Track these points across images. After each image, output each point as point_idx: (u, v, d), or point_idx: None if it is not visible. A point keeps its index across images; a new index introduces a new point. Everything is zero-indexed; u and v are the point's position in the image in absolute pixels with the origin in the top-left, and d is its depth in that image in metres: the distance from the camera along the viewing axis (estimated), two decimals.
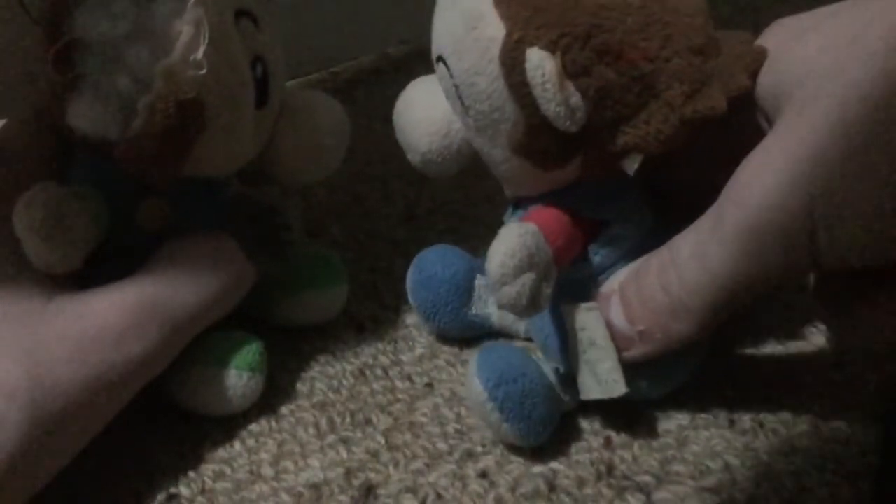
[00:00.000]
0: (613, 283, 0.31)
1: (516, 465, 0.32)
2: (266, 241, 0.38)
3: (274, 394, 0.35)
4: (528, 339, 0.36)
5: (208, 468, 0.32)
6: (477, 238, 0.41)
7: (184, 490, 0.31)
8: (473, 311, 0.36)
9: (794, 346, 0.36)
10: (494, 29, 0.28)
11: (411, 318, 0.39)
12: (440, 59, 0.31)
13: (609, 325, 0.30)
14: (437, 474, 0.31)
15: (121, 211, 0.32)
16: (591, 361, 0.30)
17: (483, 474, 0.31)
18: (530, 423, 0.31)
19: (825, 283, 0.31)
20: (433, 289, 0.36)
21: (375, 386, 0.36)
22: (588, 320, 0.30)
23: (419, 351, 0.37)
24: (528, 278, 0.29)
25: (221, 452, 0.33)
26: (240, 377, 0.33)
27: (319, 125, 0.36)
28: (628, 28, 0.28)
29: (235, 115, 0.31)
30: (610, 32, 0.28)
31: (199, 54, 0.28)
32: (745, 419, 0.32)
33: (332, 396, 0.35)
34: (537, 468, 0.31)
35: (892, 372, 0.33)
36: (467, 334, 0.37)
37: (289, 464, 0.32)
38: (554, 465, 0.31)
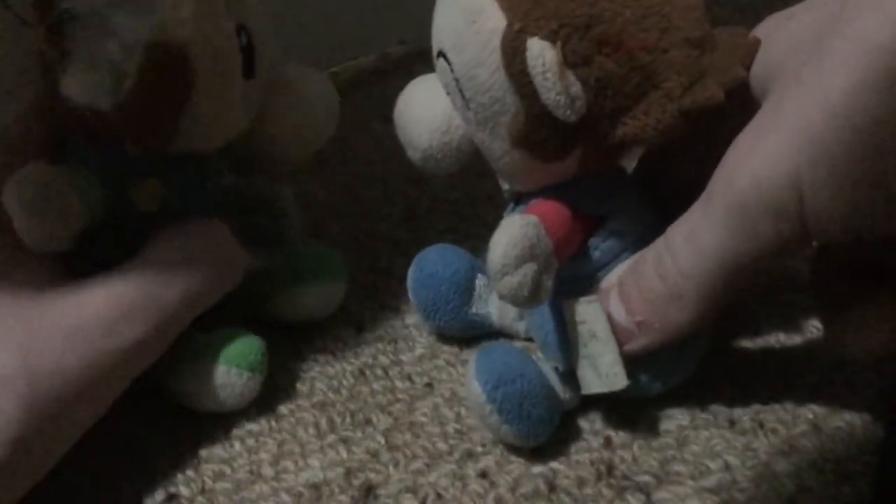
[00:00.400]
0: (613, 278, 0.31)
1: (516, 465, 0.32)
2: (263, 230, 0.38)
3: (274, 394, 0.35)
4: (529, 339, 0.36)
5: (208, 468, 0.32)
6: (477, 237, 0.41)
7: (183, 490, 0.31)
8: (474, 310, 0.36)
9: (794, 347, 0.36)
10: (495, 21, 0.28)
11: (411, 318, 0.39)
12: (441, 54, 0.31)
13: (608, 319, 0.30)
14: (437, 474, 0.31)
15: (116, 192, 0.33)
16: (592, 355, 0.30)
17: (483, 474, 0.31)
18: (529, 424, 0.31)
19: (824, 284, 0.31)
20: (434, 287, 0.36)
21: (375, 386, 0.36)
22: (588, 313, 0.30)
23: (419, 351, 0.37)
24: (529, 269, 0.29)
25: (221, 452, 0.33)
26: (240, 376, 0.33)
27: (308, 98, 0.37)
28: (627, 19, 0.28)
29: (223, 78, 0.32)
30: (609, 23, 0.28)
31: (184, 13, 0.29)
32: (745, 419, 0.32)
33: (332, 396, 0.35)
34: (537, 468, 0.31)
35: (892, 372, 0.33)
36: (467, 333, 0.37)
37: (289, 464, 0.32)
38: (554, 465, 0.31)
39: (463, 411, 0.34)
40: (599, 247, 0.32)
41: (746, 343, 0.36)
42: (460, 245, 0.38)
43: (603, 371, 0.30)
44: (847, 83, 0.24)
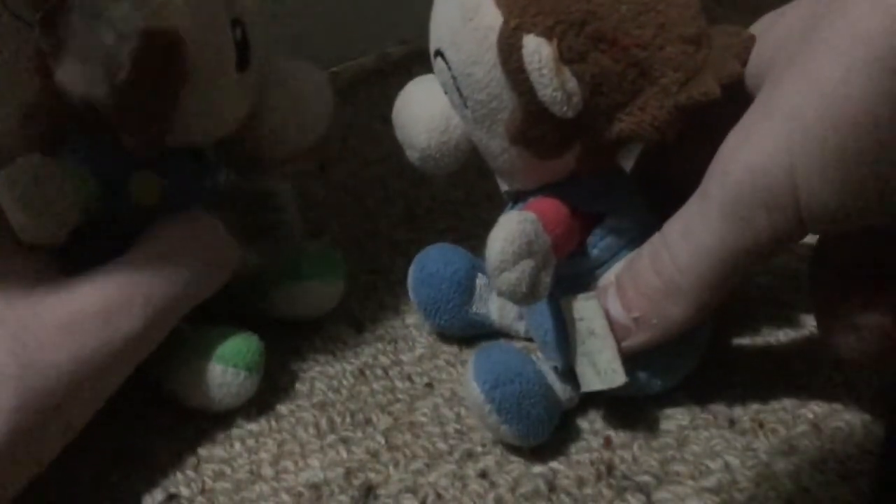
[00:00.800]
0: (611, 275, 0.31)
1: (516, 465, 0.32)
2: (262, 226, 0.38)
3: (274, 394, 0.35)
4: (529, 339, 0.36)
5: (208, 468, 0.32)
6: (477, 237, 0.41)
7: (183, 490, 0.31)
8: (474, 309, 0.37)
9: (794, 347, 0.36)
10: (491, 18, 0.28)
11: (411, 318, 0.39)
12: (438, 52, 0.31)
13: (606, 316, 0.30)
14: (437, 474, 0.31)
15: (113, 186, 0.33)
16: (590, 352, 0.30)
17: (483, 474, 0.31)
18: (529, 424, 0.31)
19: (820, 286, 0.31)
20: (434, 286, 0.36)
21: (375, 386, 0.36)
22: (586, 310, 0.30)
23: (419, 351, 0.37)
24: (527, 265, 0.29)
25: (221, 452, 0.33)
26: (236, 375, 0.33)
27: (303, 91, 0.37)
28: (622, 16, 0.28)
29: (217, 70, 0.32)
30: (604, 20, 0.28)
31: (179, 1, 0.29)
32: (745, 419, 0.32)
33: (332, 396, 0.35)
34: (537, 468, 0.31)
35: (892, 372, 0.33)
36: (468, 333, 0.37)
37: (289, 464, 0.32)
38: (554, 465, 0.31)
39: (463, 411, 0.34)
40: (597, 244, 0.32)
41: (746, 343, 0.36)
42: (460, 245, 0.38)
43: (601, 368, 0.30)
44: (838, 71, 0.24)
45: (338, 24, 0.60)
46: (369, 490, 0.31)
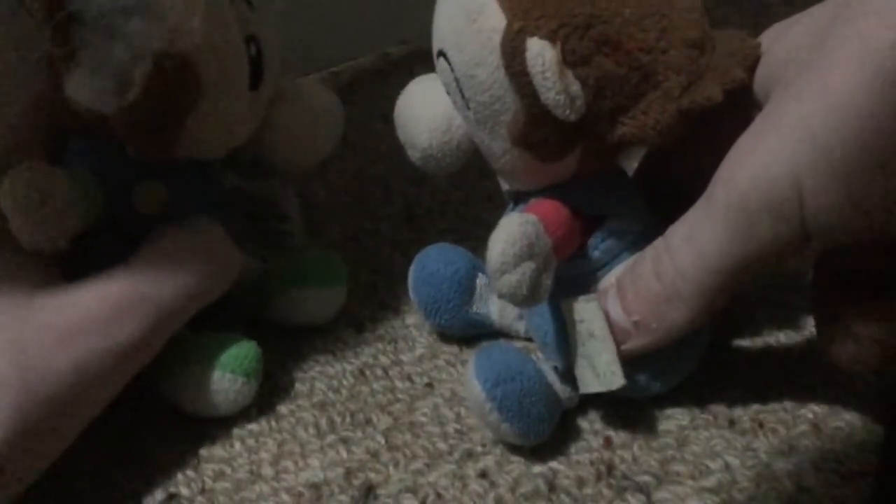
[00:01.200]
0: (611, 277, 0.31)
1: (516, 465, 0.32)
2: (264, 232, 0.38)
3: (274, 394, 0.35)
4: (529, 339, 0.36)
5: (208, 468, 0.32)
6: (477, 237, 0.41)
7: (183, 490, 0.31)
8: (474, 309, 0.37)
9: (794, 347, 0.36)
10: (495, 20, 0.28)
11: (411, 318, 0.39)
12: (441, 53, 0.31)
13: (606, 318, 0.30)
14: (437, 474, 0.31)
15: (117, 194, 0.33)
16: (590, 354, 0.30)
17: (483, 474, 0.31)
18: (529, 422, 0.31)
19: (821, 292, 0.31)
20: (435, 285, 0.36)
21: (375, 386, 0.36)
22: (586, 312, 0.30)
23: (419, 351, 0.37)
24: (527, 267, 0.29)
25: (221, 452, 0.33)
26: (234, 381, 0.33)
27: (313, 111, 0.37)
28: (626, 20, 0.28)
29: (230, 90, 0.32)
30: (608, 23, 0.28)
31: (195, 23, 0.29)
32: (745, 419, 0.32)
33: (332, 396, 0.35)
34: (537, 468, 0.31)
35: (892, 372, 0.33)
36: (468, 332, 0.37)
37: (289, 464, 0.32)
38: (554, 465, 0.31)
39: (463, 411, 0.34)
40: (598, 246, 0.32)
41: (746, 343, 0.36)
42: (460, 245, 0.38)
43: (600, 370, 0.30)
44: (846, 85, 0.24)
45: (338, 24, 0.60)
46: (369, 490, 0.31)
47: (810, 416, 0.32)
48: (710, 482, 0.30)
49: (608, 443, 0.32)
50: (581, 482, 0.31)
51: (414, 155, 0.34)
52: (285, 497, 0.31)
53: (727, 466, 0.31)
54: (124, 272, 0.31)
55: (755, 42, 0.30)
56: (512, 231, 0.29)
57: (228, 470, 0.32)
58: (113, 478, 0.32)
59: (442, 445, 0.33)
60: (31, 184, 0.29)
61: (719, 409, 0.33)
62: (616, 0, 0.28)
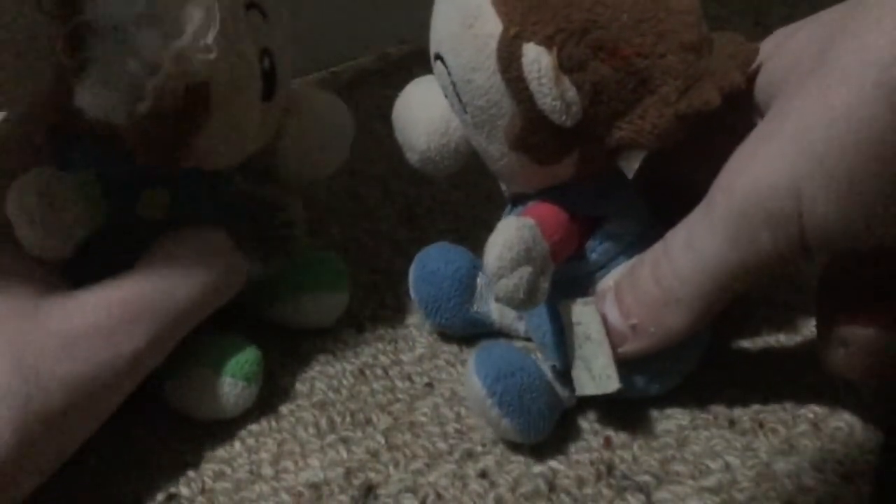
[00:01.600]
0: (609, 280, 0.31)
1: (516, 464, 0.32)
2: (269, 237, 0.38)
3: (274, 394, 0.35)
4: (528, 339, 0.36)
5: (208, 468, 0.32)
6: (477, 238, 0.41)
7: (184, 490, 0.31)
8: (475, 308, 0.37)
9: (794, 347, 0.36)
10: (492, 25, 0.28)
11: (411, 318, 0.39)
12: (438, 56, 0.31)
13: (604, 321, 0.30)
14: (437, 474, 0.31)
15: (121, 200, 0.33)
16: (586, 357, 0.31)
17: (483, 474, 0.31)
18: (530, 418, 0.31)
19: (824, 299, 0.31)
20: (436, 284, 0.36)
21: (375, 386, 0.36)
22: (584, 315, 0.30)
23: (419, 351, 0.37)
24: (525, 271, 0.29)
25: (221, 452, 0.33)
26: (234, 385, 0.33)
27: (324, 123, 0.37)
28: (623, 24, 0.28)
29: (242, 104, 0.32)
30: (605, 29, 0.28)
31: (209, 39, 0.29)
32: (745, 419, 0.32)
33: (332, 396, 0.35)
34: (537, 468, 0.31)
35: (891, 373, 0.33)
36: (468, 332, 0.37)
37: (289, 464, 0.32)
38: (554, 464, 0.31)
39: (463, 411, 0.34)
40: (596, 249, 0.32)
41: (746, 343, 0.36)
42: (460, 244, 0.38)
43: (596, 373, 0.30)
44: (847, 97, 0.24)
45: (338, 24, 0.60)
46: (369, 490, 0.31)
47: (810, 416, 0.32)
48: (710, 482, 0.30)
49: (608, 443, 0.32)
50: (581, 482, 0.31)
51: (412, 157, 0.34)
52: (285, 497, 0.31)
53: (727, 466, 0.31)
54: (129, 279, 0.31)
55: (753, 46, 0.30)
56: (509, 235, 0.29)
57: (228, 470, 0.32)
58: (113, 478, 0.32)
59: (442, 445, 0.33)
60: (39, 191, 0.29)
61: (719, 409, 0.33)
62: (613, 5, 0.28)
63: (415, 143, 0.33)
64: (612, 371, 0.30)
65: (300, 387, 0.36)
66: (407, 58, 0.60)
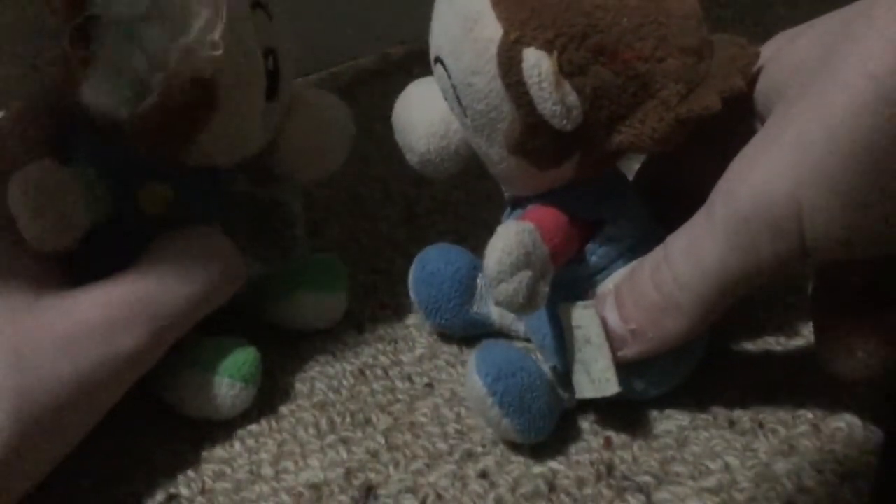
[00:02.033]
0: (610, 283, 0.31)
1: (516, 465, 0.32)
2: (270, 237, 0.38)
3: (274, 394, 0.35)
4: (528, 340, 0.36)
5: (208, 468, 0.32)
6: (477, 238, 0.41)
7: (184, 490, 0.31)
8: (475, 308, 0.37)
9: (794, 346, 0.36)
10: (492, 29, 0.28)
11: (411, 319, 0.39)
12: (438, 59, 0.31)
13: (603, 325, 0.30)
14: (438, 474, 0.31)
15: (122, 195, 0.33)
16: (586, 360, 0.31)
17: (483, 474, 0.31)
18: (530, 418, 0.31)
19: (820, 302, 0.31)
20: (436, 285, 0.36)
21: (375, 386, 0.36)
22: (584, 318, 0.30)
23: (419, 351, 0.37)
24: (524, 276, 0.29)
25: (221, 452, 0.33)
26: (231, 386, 0.33)
27: (325, 123, 0.37)
28: (623, 29, 0.28)
29: (246, 102, 0.32)
30: (605, 33, 0.28)
31: (216, 35, 0.29)
32: (745, 419, 0.32)
33: (332, 396, 0.35)
34: (537, 468, 0.31)
35: (891, 373, 0.33)
36: (468, 332, 0.37)
37: (289, 464, 0.32)
38: (554, 465, 0.31)
39: (463, 411, 0.34)
40: (596, 252, 0.32)
41: (746, 344, 0.36)
42: (460, 245, 0.38)
43: (595, 376, 0.30)
44: (848, 105, 0.24)
45: (338, 24, 0.60)
46: (369, 490, 0.31)
47: (810, 416, 0.32)
48: (710, 482, 0.30)
49: (608, 443, 0.32)
50: (581, 482, 0.31)
51: (412, 159, 0.34)
52: (285, 497, 0.31)
53: (727, 467, 0.31)
54: (127, 279, 0.31)
55: (754, 49, 0.30)
56: (509, 240, 0.29)
57: (228, 470, 0.32)
58: (113, 478, 0.32)
59: (442, 446, 0.33)
60: (40, 183, 0.30)
61: (719, 409, 0.33)
62: (613, 9, 0.28)
63: (414, 146, 0.33)
64: (611, 374, 0.30)
65: (300, 387, 0.36)
66: (407, 58, 0.60)
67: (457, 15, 0.29)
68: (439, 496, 0.31)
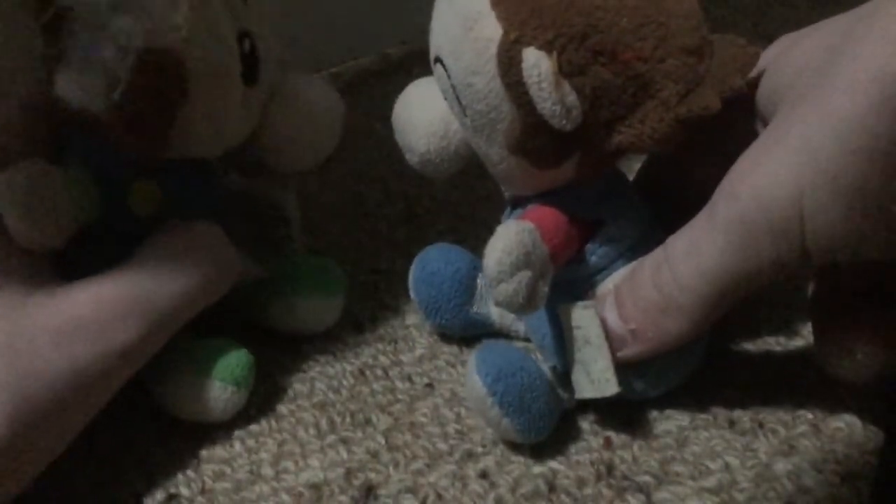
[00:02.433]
0: (610, 284, 0.31)
1: (516, 465, 0.32)
2: (264, 235, 0.38)
3: (274, 394, 0.35)
4: (528, 340, 0.36)
5: (208, 468, 0.32)
6: (477, 238, 0.41)
7: (184, 490, 0.31)
8: (475, 308, 0.37)
9: (794, 346, 0.36)
10: (492, 29, 0.28)
11: (411, 319, 0.39)
12: (438, 59, 0.31)
13: (603, 325, 0.30)
14: (438, 474, 0.31)
15: (112, 194, 0.32)
16: (585, 360, 0.31)
17: (483, 474, 0.31)
18: (530, 418, 0.31)
19: (820, 303, 0.31)
20: (436, 285, 0.36)
21: (375, 386, 0.36)
22: (583, 318, 0.30)
23: (419, 351, 0.37)
24: (524, 276, 0.29)
25: (221, 452, 0.33)
26: (223, 389, 0.33)
27: (314, 109, 0.36)
28: (623, 29, 0.28)
29: (220, 85, 0.32)
30: (605, 33, 0.28)
31: (179, 18, 0.29)
32: (745, 419, 0.32)
33: (332, 396, 0.35)
34: (537, 468, 0.31)
35: (892, 373, 0.33)
36: (468, 332, 0.37)
37: (289, 464, 0.32)
38: (554, 465, 0.31)
39: (463, 412, 0.34)
40: (596, 252, 0.32)
41: (746, 344, 0.36)
42: (460, 245, 0.38)
43: (595, 377, 0.30)
44: (853, 108, 0.24)
45: (338, 24, 0.60)
46: (369, 490, 0.31)
47: (810, 416, 0.32)
48: (710, 482, 0.30)
49: (608, 443, 0.32)
50: (581, 482, 0.31)
51: (412, 159, 0.34)
52: (285, 497, 0.31)
53: (727, 466, 0.31)
54: (121, 275, 0.31)
55: (754, 49, 0.30)
56: (509, 240, 0.29)
57: (228, 470, 0.32)
58: (113, 478, 0.32)
59: (442, 446, 0.33)
60: (29, 182, 0.29)
61: (719, 409, 0.33)
62: (613, 9, 0.28)
63: (414, 146, 0.33)
64: (610, 375, 0.30)
65: (300, 387, 0.36)
66: (407, 58, 0.60)
67: (457, 15, 0.29)
68: (439, 496, 0.31)
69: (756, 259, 0.27)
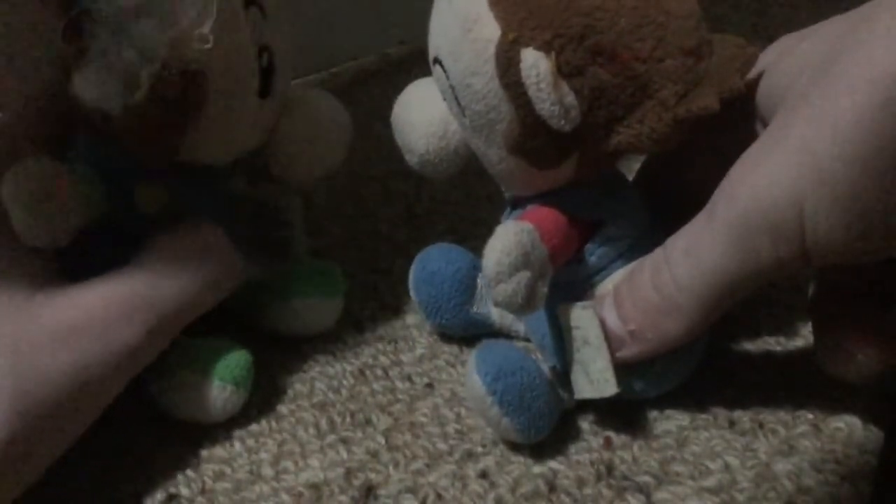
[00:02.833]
0: (609, 284, 0.31)
1: (516, 465, 0.32)
2: (267, 238, 0.38)
3: (274, 394, 0.35)
4: (528, 340, 0.36)
5: (208, 468, 0.32)
6: (477, 237, 0.41)
7: (184, 490, 0.31)
8: (475, 308, 0.37)
9: (794, 346, 0.36)
10: (490, 30, 0.28)
11: (411, 319, 0.39)
12: (436, 60, 0.31)
13: (602, 325, 0.30)
14: (438, 474, 0.31)
15: (119, 193, 0.33)
16: (584, 360, 0.31)
17: (483, 474, 0.31)
18: (530, 417, 0.31)
19: (820, 303, 0.31)
20: (436, 285, 0.36)
21: (375, 386, 0.36)
22: (582, 318, 0.30)
23: (419, 351, 0.37)
24: (523, 276, 0.29)
25: (221, 452, 0.33)
26: (223, 389, 0.33)
27: (322, 124, 0.37)
28: (622, 29, 0.28)
29: (237, 98, 0.32)
30: (603, 33, 0.28)
31: (206, 28, 0.29)
32: (745, 419, 0.32)
33: (332, 396, 0.35)
34: (537, 468, 0.31)
35: (891, 373, 0.33)
36: (468, 332, 0.37)
37: (289, 464, 0.32)
38: (554, 465, 0.31)
39: (463, 411, 0.34)
40: (595, 252, 0.32)
41: (746, 343, 0.36)
42: (460, 245, 0.38)
43: (594, 377, 0.30)
44: (854, 109, 0.24)
45: (338, 24, 0.60)
46: (369, 490, 0.31)
47: (810, 416, 0.32)
48: (710, 482, 0.30)
49: (608, 443, 0.32)
50: (581, 482, 0.31)
51: (411, 160, 0.34)
52: (285, 497, 0.31)
53: (727, 466, 0.31)
54: (124, 275, 0.31)
55: (754, 49, 0.30)
56: (508, 240, 0.29)
57: (228, 470, 0.32)
58: (113, 478, 0.32)
59: (442, 446, 0.33)
60: (35, 179, 0.30)
61: (719, 409, 0.33)
62: (611, 10, 0.28)
63: (414, 146, 0.33)
64: (609, 375, 0.30)
65: (300, 387, 0.36)
66: (407, 58, 0.60)
67: (455, 15, 0.29)
68: (439, 496, 0.31)
69: (755, 260, 0.27)
